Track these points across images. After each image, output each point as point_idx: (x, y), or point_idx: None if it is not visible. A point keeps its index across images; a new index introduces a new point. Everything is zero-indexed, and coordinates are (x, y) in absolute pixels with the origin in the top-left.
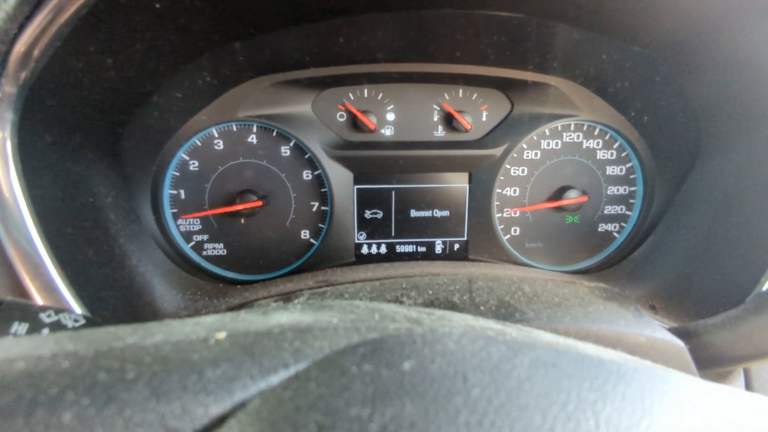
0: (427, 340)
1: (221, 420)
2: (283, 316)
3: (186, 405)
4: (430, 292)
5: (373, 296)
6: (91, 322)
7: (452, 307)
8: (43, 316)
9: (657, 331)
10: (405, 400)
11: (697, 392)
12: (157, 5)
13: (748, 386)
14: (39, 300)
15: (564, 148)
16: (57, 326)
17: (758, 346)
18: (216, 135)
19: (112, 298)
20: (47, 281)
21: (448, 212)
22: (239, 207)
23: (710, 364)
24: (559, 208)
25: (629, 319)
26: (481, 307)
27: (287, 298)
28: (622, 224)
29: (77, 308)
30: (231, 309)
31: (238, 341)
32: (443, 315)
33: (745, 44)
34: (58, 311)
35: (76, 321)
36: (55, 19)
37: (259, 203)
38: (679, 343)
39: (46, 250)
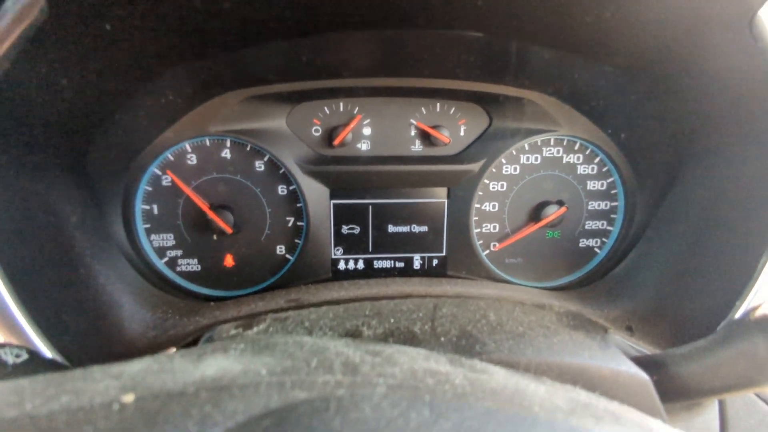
0: (343, 406)
1: None
2: (213, 366)
3: None
4: (392, 320)
5: (335, 324)
6: (34, 357)
7: (412, 337)
8: None
9: (621, 363)
10: None
11: None
12: (108, 26)
13: (722, 415)
14: None
15: (544, 162)
16: None
17: (726, 379)
18: (189, 149)
19: (74, 321)
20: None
21: (426, 228)
22: (213, 216)
23: (677, 396)
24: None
25: (594, 350)
26: (442, 338)
27: (248, 324)
28: (604, 240)
29: (32, 334)
30: (198, 329)
31: (144, 406)
32: (390, 356)
33: (717, 66)
34: None
35: (17, 357)
36: (1, 42)
37: (229, 230)
38: (643, 376)
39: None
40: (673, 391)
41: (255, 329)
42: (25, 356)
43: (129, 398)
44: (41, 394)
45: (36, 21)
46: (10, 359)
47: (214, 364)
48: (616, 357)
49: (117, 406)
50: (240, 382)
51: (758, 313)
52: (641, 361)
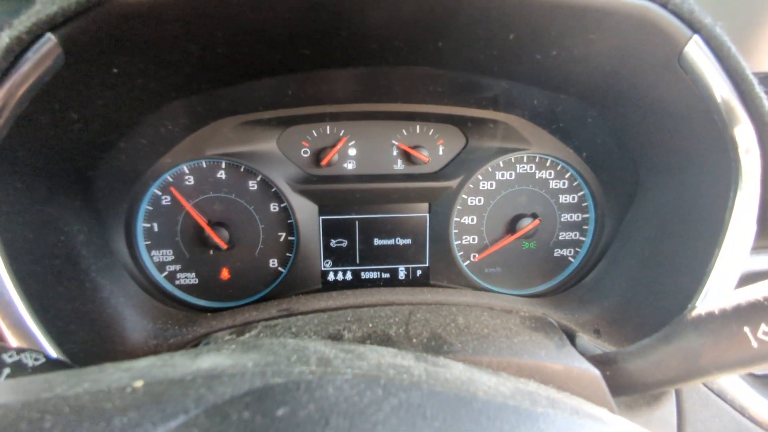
0: (311, 386)
1: None
2: (207, 360)
3: None
4: (371, 325)
5: (319, 329)
6: (49, 360)
7: (387, 339)
8: (5, 357)
9: (575, 360)
10: None
11: None
12: (115, 70)
13: (679, 408)
14: (9, 337)
15: (518, 178)
16: (18, 366)
17: (665, 373)
18: (186, 171)
19: (81, 330)
20: (16, 319)
21: (409, 240)
22: (211, 232)
23: (625, 390)
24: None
25: (550, 349)
26: (414, 340)
27: (242, 330)
28: (577, 249)
29: (44, 342)
30: (197, 338)
31: (151, 389)
32: (362, 353)
33: (655, 96)
34: (19, 351)
35: (36, 360)
36: (20, 86)
37: (224, 246)
38: (594, 371)
39: (16, 290)
40: (623, 385)
41: (247, 335)
42: (42, 360)
43: (139, 384)
44: (67, 383)
45: (53, 68)
46: (30, 362)
47: (209, 360)
48: (570, 354)
49: (129, 389)
50: (229, 372)
51: (693, 312)
52: (595, 359)
